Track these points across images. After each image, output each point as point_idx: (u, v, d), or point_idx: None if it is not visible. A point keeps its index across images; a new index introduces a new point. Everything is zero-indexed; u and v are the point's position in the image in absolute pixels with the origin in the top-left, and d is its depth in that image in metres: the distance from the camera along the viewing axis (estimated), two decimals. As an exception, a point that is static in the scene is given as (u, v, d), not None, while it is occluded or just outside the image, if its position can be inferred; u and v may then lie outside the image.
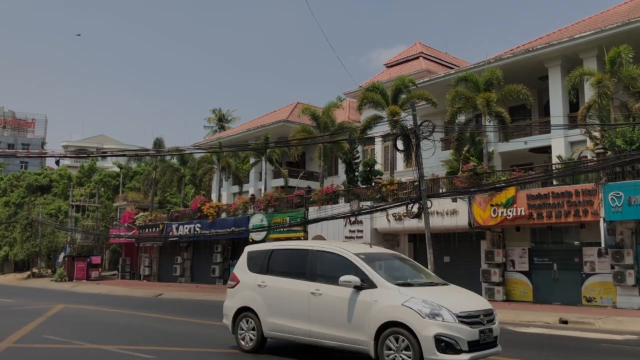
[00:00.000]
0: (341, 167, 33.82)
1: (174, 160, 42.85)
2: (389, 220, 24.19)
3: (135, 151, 39.77)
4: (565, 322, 15.48)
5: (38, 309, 19.08)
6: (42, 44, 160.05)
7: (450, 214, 22.30)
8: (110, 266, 47.85)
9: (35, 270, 46.27)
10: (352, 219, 25.14)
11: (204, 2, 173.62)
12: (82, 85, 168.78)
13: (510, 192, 20.61)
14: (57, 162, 64.92)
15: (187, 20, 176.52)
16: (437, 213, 22.34)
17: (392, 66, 37.47)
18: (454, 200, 22.09)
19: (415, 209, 21.79)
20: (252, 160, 38.69)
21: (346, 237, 25.82)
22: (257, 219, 30.39)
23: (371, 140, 31.92)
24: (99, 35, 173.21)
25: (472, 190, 21.45)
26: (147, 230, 38.08)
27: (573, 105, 23.97)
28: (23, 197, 54.66)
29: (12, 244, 49.50)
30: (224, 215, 33.73)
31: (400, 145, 25.22)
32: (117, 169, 56.37)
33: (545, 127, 24.06)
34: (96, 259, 42.06)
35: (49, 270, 46.50)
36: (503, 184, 20.77)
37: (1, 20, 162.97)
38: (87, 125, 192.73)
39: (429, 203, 21.52)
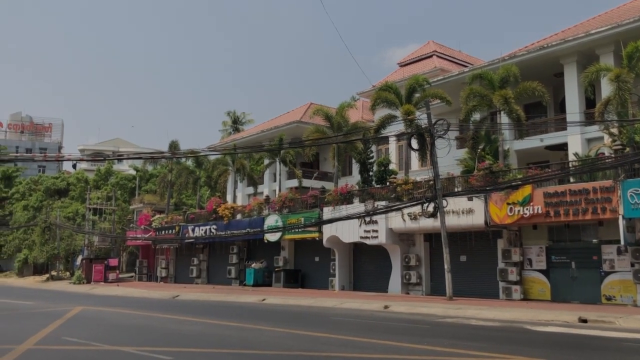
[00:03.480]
0: (355, 167, 33.78)
1: (190, 163, 43.14)
2: (404, 220, 24.10)
3: (151, 154, 40.07)
4: (585, 321, 15.27)
5: (57, 311, 19.28)
6: (57, 49, 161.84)
7: (466, 212, 22.15)
8: (128, 268, 48.29)
9: (53, 273, 46.79)
10: (367, 219, 25.10)
11: (217, 4, 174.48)
12: (98, 89, 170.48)
13: (527, 190, 20.42)
14: (74, 166, 65.58)
15: (202, 24, 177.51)
16: (453, 212, 22.23)
17: (405, 65, 37.34)
18: (470, 199, 21.94)
19: (430, 208, 21.77)
20: (266, 161, 38.80)
21: (361, 237, 25.80)
22: (272, 220, 30.46)
23: (385, 140, 31.86)
24: (113, 39, 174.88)
25: (488, 188, 21.30)
26: (163, 232, 38.34)
27: (589, 102, 23.69)
28: (41, 201, 55.34)
29: (31, 247, 50.19)
30: (239, 216, 33.86)
31: (414, 144, 25.18)
32: (133, 172, 56.88)
33: (562, 124, 23.80)
34: (113, 261, 42.42)
35: (68, 273, 46.97)
36: (519, 182, 20.59)
37: (17, 26, 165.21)
38: (103, 129, 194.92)
39: (444, 202, 21.51)
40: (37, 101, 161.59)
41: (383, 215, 24.45)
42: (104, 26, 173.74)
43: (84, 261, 42.08)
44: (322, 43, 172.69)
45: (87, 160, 67.27)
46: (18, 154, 75.81)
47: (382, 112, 28.54)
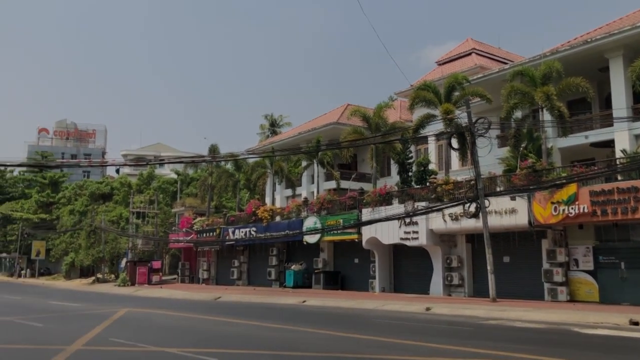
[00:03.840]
0: (394, 168, 33.55)
1: (229, 166, 43.66)
2: (445, 221, 23.78)
3: (192, 158, 40.71)
4: (636, 324, 14.74)
5: (103, 312, 19.77)
6: (101, 57, 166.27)
7: (509, 212, 21.71)
8: (170, 270, 49.20)
9: (99, 275, 48.04)
10: (407, 220, 24.88)
11: (254, 8, 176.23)
12: (140, 95, 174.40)
13: (572, 188, 19.87)
14: (118, 171, 67.19)
15: (239, 27, 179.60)
16: (495, 212, 21.83)
17: (443, 64, 36.90)
18: (513, 199, 21.49)
19: (472, 208, 21.42)
20: (304, 163, 38.91)
21: (401, 239, 25.59)
22: (310, 222, 30.53)
23: (424, 140, 31.52)
24: (154, 46, 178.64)
25: (531, 187, 20.82)
26: (204, 234, 38.90)
27: (637, 96, 22.91)
28: (86, 205, 56.92)
29: (78, 251, 51.70)
30: (278, 218, 34.07)
31: (455, 143, 24.83)
32: (174, 176, 57.96)
33: (608, 120, 23.08)
34: (157, 264, 43.28)
35: (112, 276, 48.14)
36: (564, 181, 20.07)
37: (61, 35, 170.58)
38: (145, 134, 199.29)
39: (486, 202, 21.13)
40: (81, 108, 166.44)
41: (423, 216, 24.18)
42: (144, 33, 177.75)
43: (128, 264, 43.04)
44: (358, 43, 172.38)
45: (130, 165, 68.86)
46: (64, 160, 78.19)
47: (420, 112, 28.25)
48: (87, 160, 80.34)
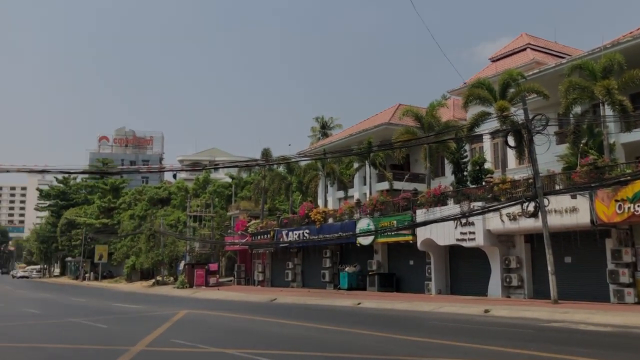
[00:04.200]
0: (448, 168, 33.01)
1: (282, 169, 44.08)
2: (502, 221, 23.18)
3: (246, 162, 41.31)
4: None
5: (164, 314, 20.33)
6: (155, 66, 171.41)
7: (569, 211, 20.95)
8: (227, 272, 50.09)
9: (159, 278, 49.43)
10: (463, 220, 24.40)
11: (301, 13, 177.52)
12: (195, 102, 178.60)
13: (638, 185, 18.99)
14: (175, 176, 68.78)
15: (291, 31, 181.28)
16: (555, 211, 21.12)
17: (497, 60, 36.05)
18: (574, 197, 20.73)
19: (531, 207, 20.79)
20: (356, 165, 38.84)
21: (457, 240, 25.14)
22: (363, 224, 30.42)
23: (479, 138, 30.85)
24: (205, 54, 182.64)
25: (593, 185, 20.03)
26: (259, 237, 39.42)
27: None
28: (146, 210, 58.75)
29: (138, 254, 53.40)
30: (330, 220, 34.12)
31: (511, 141, 24.18)
32: (229, 180, 59.06)
33: (675, 113, 21.98)
34: (214, 266, 44.15)
35: (171, 278, 49.43)
36: (629, 178, 19.19)
37: (119, 47, 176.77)
38: (200, 140, 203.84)
39: (545, 201, 20.48)
40: (139, 115, 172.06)
41: (480, 217, 23.65)
42: (199, 44, 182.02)
43: (186, 266, 44.09)
44: (408, 43, 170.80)
45: (186, 170, 70.52)
46: (124, 167, 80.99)
47: (475, 110, 27.69)
48: (146, 167, 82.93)
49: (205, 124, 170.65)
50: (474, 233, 24.38)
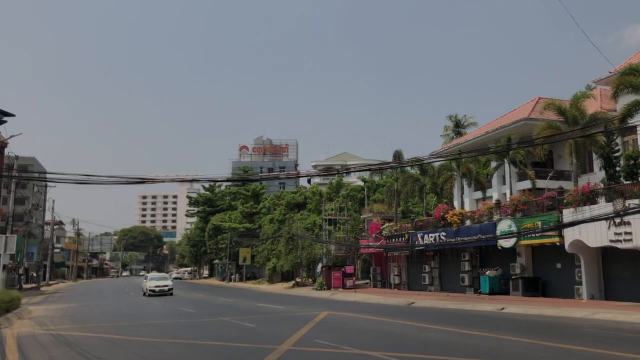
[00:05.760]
0: (596, 163, 30.50)
1: (414, 171, 43.58)
2: (664, 220, 20.94)
3: (378, 165, 41.45)
4: None
5: (306, 315, 21.00)
6: (290, 77, 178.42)
7: None
8: (362, 275, 50.55)
9: (298, 279, 51.18)
10: (617, 220, 22.41)
11: (434, 6, 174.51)
12: (325, 108, 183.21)
13: None
14: (309, 181, 70.77)
15: (418, 31, 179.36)
16: None
17: (651, 43, 32.68)
18: None
19: (700, 204, 18.55)
20: (493, 163, 37.26)
21: (611, 241, 23.14)
22: (504, 225, 29.08)
23: (633, 130, 28.17)
24: (335, 61, 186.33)
25: None
26: (393, 240, 39.28)
27: None
28: (284, 214, 61.17)
29: (278, 257, 55.79)
30: (468, 222, 33.05)
31: (672, 131, 21.77)
32: (361, 183, 59.62)
33: None
34: (350, 269, 44.75)
35: (310, 280, 50.93)
36: None
37: (255, 62, 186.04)
38: (332, 145, 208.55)
39: None
40: (274, 125, 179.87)
41: (637, 216, 21.55)
42: (336, 52, 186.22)
43: (323, 268, 45.19)
44: (544, 34, 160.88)
45: (319, 175, 72.48)
46: (263, 174, 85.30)
47: (627, 99, 25.36)
48: (285, 173, 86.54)
49: (336, 130, 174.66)
50: (630, 233, 22.29)
